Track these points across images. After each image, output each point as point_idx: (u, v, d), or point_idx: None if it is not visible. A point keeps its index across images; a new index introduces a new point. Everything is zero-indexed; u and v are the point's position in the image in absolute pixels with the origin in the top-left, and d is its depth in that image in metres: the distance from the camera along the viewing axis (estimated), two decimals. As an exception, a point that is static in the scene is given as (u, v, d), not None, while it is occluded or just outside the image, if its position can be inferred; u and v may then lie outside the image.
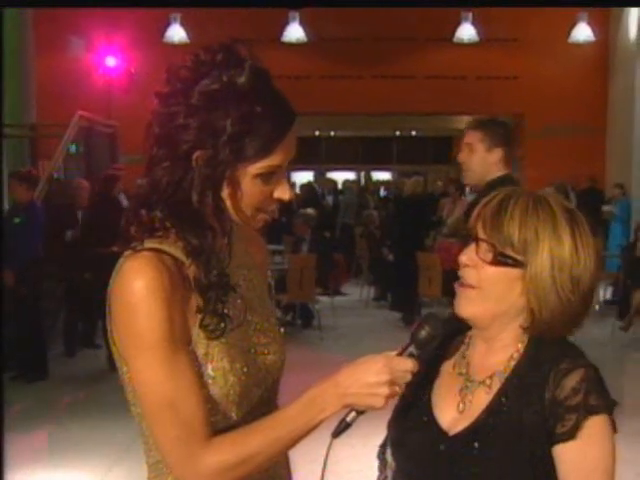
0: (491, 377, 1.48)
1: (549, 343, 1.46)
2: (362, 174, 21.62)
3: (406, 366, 1.38)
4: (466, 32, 13.66)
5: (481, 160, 3.57)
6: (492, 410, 1.44)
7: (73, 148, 10.58)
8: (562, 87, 14.12)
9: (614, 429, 1.41)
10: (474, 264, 1.46)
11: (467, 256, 1.47)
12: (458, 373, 1.53)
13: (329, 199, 16.13)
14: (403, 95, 14.44)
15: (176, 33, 13.16)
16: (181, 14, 13.17)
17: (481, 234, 1.46)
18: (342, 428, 1.40)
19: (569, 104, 14.20)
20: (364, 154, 21.39)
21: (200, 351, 1.42)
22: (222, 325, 1.42)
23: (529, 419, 1.40)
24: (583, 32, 13.48)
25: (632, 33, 13.43)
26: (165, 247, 1.42)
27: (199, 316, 1.41)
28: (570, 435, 1.37)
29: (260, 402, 1.50)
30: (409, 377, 1.38)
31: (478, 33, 13.66)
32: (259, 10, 12.40)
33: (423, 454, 1.48)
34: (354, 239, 13.23)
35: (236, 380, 1.43)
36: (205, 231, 1.42)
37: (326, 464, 1.42)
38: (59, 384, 7.18)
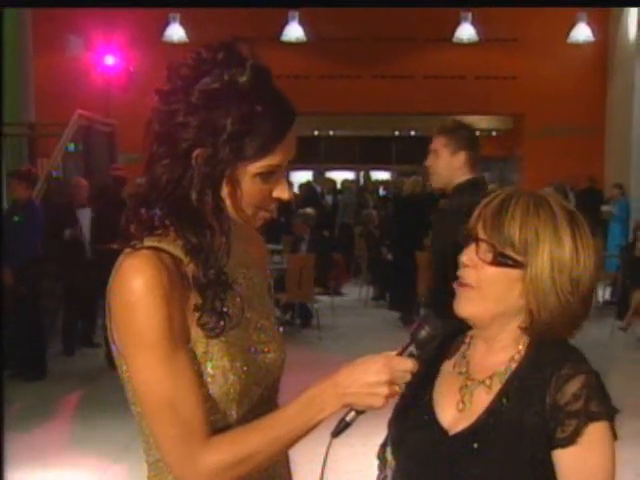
0: (491, 377, 1.48)
1: (550, 345, 1.46)
2: (361, 174, 21.60)
3: (406, 366, 1.37)
4: (465, 32, 13.67)
5: (446, 164, 3.65)
6: (492, 410, 1.44)
7: (72, 147, 10.57)
8: (561, 87, 14.13)
9: (614, 436, 1.41)
10: (474, 264, 1.46)
11: (467, 256, 1.47)
12: (458, 372, 1.53)
13: (328, 199, 16.11)
14: (402, 95, 14.45)
15: (175, 32, 13.17)
16: (180, 13, 13.17)
17: (481, 234, 1.45)
18: (342, 428, 1.39)
19: (568, 104, 14.21)
20: (363, 154, 21.36)
21: (200, 350, 1.41)
22: (221, 323, 1.42)
23: (529, 421, 1.40)
24: (582, 32, 13.49)
25: (631, 33, 13.44)
26: (164, 245, 1.42)
27: (197, 314, 1.41)
28: (570, 440, 1.37)
29: (260, 401, 1.49)
30: (409, 377, 1.38)
31: (477, 33, 13.67)
32: (258, 9, 12.40)
33: (423, 453, 1.48)
34: (353, 239, 13.23)
35: (236, 379, 1.43)
36: (204, 229, 1.42)
37: (326, 463, 1.42)
38: (58, 383, 7.18)
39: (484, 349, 1.52)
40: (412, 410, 1.53)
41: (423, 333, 1.41)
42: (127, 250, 1.41)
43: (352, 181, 18.16)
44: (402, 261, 9.73)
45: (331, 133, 20.71)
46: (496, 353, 1.49)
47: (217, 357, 1.42)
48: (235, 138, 1.37)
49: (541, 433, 1.39)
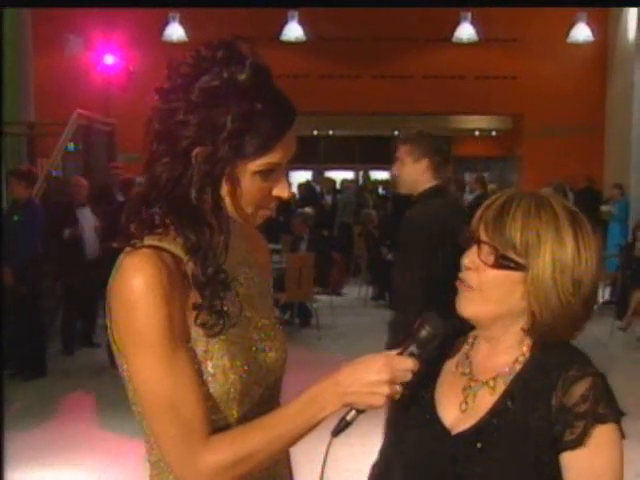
0: (495, 378, 1.47)
1: (555, 347, 1.46)
2: (361, 173, 21.60)
3: (406, 365, 1.37)
4: (465, 32, 13.67)
5: (410, 171, 3.79)
6: (496, 411, 1.43)
7: (71, 146, 10.57)
8: (561, 87, 14.13)
9: (622, 437, 1.40)
10: (475, 267, 1.45)
11: (469, 258, 1.46)
12: (461, 372, 1.53)
13: (327, 198, 16.11)
14: (402, 95, 14.45)
15: (175, 32, 13.16)
16: (180, 13, 13.16)
17: (483, 236, 1.45)
18: (342, 427, 1.39)
19: (568, 104, 14.21)
20: (363, 153, 21.35)
21: (200, 348, 1.41)
22: (221, 322, 1.42)
23: (534, 423, 1.39)
24: (582, 32, 13.49)
25: (631, 33, 13.44)
26: (164, 244, 1.42)
27: (196, 313, 1.41)
28: (578, 442, 1.36)
29: (261, 400, 1.49)
30: (409, 376, 1.37)
31: (477, 33, 13.67)
32: (258, 9, 12.39)
33: (425, 452, 1.48)
34: (352, 238, 13.22)
35: (237, 378, 1.43)
36: (203, 227, 1.42)
37: (325, 462, 1.42)
38: (57, 382, 7.17)
39: (487, 350, 1.51)
40: (413, 409, 1.53)
41: (424, 332, 1.41)
42: (127, 249, 1.41)
43: (351, 181, 18.16)
44: (401, 261, 9.70)
45: (330, 133, 20.71)
46: (500, 354, 1.49)
47: (217, 356, 1.42)
48: (235, 136, 1.37)
49: (546, 435, 1.38)
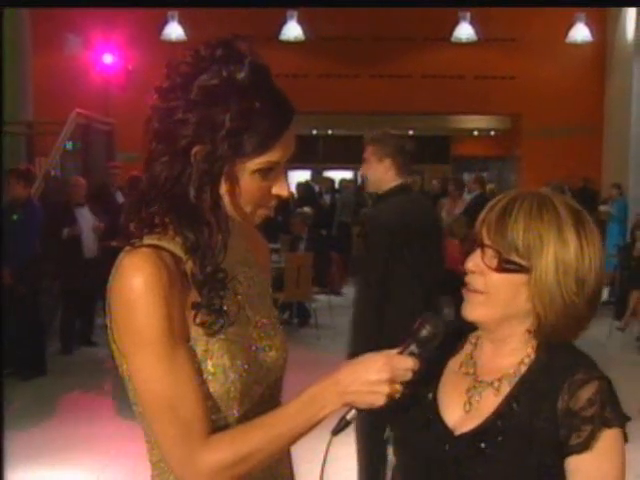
0: (500, 380, 1.47)
1: (561, 350, 1.46)
2: (359, 173, 21.58)
3: (407, 364, 1.37)
4: (464, 32, 13.67)
5: (374, 171, 3.92)
6: (501, 413, 1.43)
7: (70, 146, 10.57)
8: (560, 87, 14.13)
9: (625, 441, 1.41)
10: (480, 270, 1.45)
11: (473, 262, 1.46)
12: (465, 373, 1.52)
13: (326, 198, 16.09)
14: (401, 94, 14.45)
15: (174, 31, 13.15)
16: (179, 12, 13.15)
17: (486, 240, 1.44)
18: (342, 426, 1.39)
19: (566, 104, 14.21)
20: (361, 153, 21.35)
21: (200, 348, 1.41)
22: (220, 321, 1.42)
23: (539, 426, 1.39)
24: (581, 32, 13.49)
25: (629, 33, 13.44)
26: (164, 243, 1.42)
27: (195, 312, 1.41)
28: (585, 446, 1.36)
29: (262, 400, 1.49)
30: (410, 375, 1.37)
31: (476, 33, 13.67)
32: (257, 8, 12.39)
33: (427, 452, 1.48)
34: (351, 238, 13.20)
35: (237, 377, 1.43)
36: (202, 226, 1.42)
37: (325, 461, 1.42)
38: (56, 381, 7.17)
39: (491, 351, 1.51)
40: (415, 409, 1.52)
41: (424, 332, 1.41)
42: (127, 248, 1.41)
43: (350, 180, 18.12)
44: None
45: (329, 132, 20.70)
46: (505, 356, 1.48)
47: (217, 355, 1.42)
48: (234, 134, 1.37)
49: (551, 439, 1.38)
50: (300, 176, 17.85)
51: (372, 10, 13.12)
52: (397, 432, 1.55)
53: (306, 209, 10.55)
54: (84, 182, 8.51)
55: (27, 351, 7.21)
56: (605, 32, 14.28)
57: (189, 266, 1.42)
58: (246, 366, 1.45)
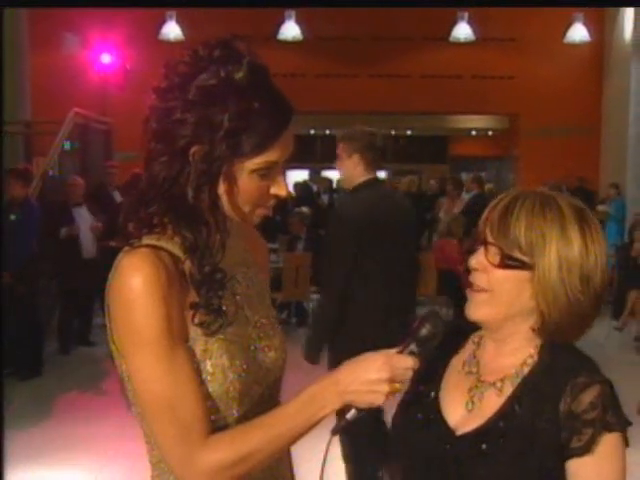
0: (502, 380, 1.47)
1: (564, 352, 1.46)
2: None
3: (406, 363, 1.37)
4: (462, 31, 13.67)
5: (345, 166, 3.95)
6: (503, 414, 1.43)
7: (68, 145, 10.55)
8: (557, 87, 14.14)
9: (626, 445, 1.41)
10: (483, 268, 1.45)
11: (476, 260, 1.46)
12: (467, 372, 1.52)
13: (324, 198, 16.09)
14: (399, 94, 14.45)
15: (172, 30, 13.13)
16: (177, 12, 13.14)
17: (489, 237, 1.45)
18: (342, 425, 1.40)
19: (564, 104, 14.21)
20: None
21: (199, 348, 1.41)
22: (218, 321, 1.42)
23: (541, 427, 1.39)
24: (579, 32, 13.49)
25: (627, 33, 13.45)
26: (162, 243, 1.42)
27: (193, 312, 1.41)
28: (586, 449, 1.36)
29: (261, 400, 1.49)
30: (409, 374, 1.38)
31: (474, 32, 13.67)
32: (255, 8, 12.38)
33: (428, 452, 1.47)
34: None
35: (236, 377, 1.43)
36: (200, 226, 1.42)
37: (325, 461, 1.42)
38: (54, 381, 7.16)
39: (494, 350, 1.51)
40: (416, 408, 1.53)
41: (424, 331, 1.41)
42: (126, 248, 1.41)
43: (348, 180, 18.12)
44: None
45: (327, 132, 20.69)
46: (507, 355, 1.49)
47: (216, 355, 1.42)
48: (232, 134, 1.37)
49: (552, 441, 1.38)
50: (298, 176, 17.83)
51: (370, 10, 13.12)
52: (399, 430, 1.55)
53: (304, 209, 10.54)
54: (82, 182, 8.50)
55: (25, 351, 7.20)
56: (603, 32, 14.29)
57: (188, 266, 1.42)
58: (245, 366, 1.45)
